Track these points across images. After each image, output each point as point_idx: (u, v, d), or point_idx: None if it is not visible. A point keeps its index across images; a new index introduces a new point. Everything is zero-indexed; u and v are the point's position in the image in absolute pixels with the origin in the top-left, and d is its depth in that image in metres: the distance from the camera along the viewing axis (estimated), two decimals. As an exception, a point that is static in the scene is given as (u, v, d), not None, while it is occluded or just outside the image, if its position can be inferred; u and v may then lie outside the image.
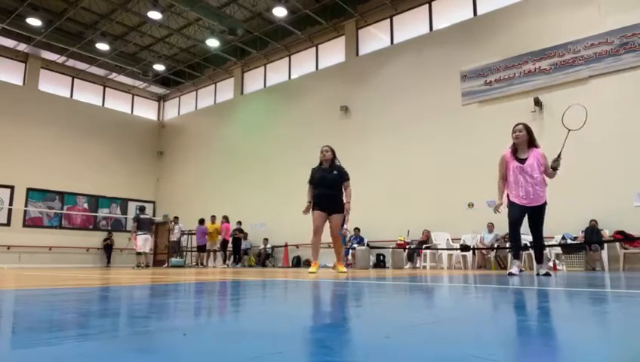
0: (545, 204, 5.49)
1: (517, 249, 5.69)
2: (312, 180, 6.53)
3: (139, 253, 12.76)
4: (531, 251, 10.16)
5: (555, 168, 5.44)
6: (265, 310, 1.81)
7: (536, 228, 5.60)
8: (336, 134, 15.31)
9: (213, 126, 19.97)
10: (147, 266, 12.68)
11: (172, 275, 5.82)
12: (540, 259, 5.76)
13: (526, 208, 5.45)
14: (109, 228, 19.91)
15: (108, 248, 19.18)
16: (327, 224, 6.44)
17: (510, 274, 5.50)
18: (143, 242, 12.73)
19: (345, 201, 6.44)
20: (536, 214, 5.50)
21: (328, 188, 6.39)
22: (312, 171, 6.62)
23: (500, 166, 5.69)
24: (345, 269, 6.54)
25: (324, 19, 15.70)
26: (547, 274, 5.39)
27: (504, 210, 5.65)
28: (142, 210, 13.69)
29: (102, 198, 19.89)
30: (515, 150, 5.59)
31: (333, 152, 6.66)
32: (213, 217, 15.68)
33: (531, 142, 5.58)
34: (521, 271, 5.65)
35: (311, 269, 6.25)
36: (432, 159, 12.78)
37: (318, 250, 6.49)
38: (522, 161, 5.48)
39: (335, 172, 6.44)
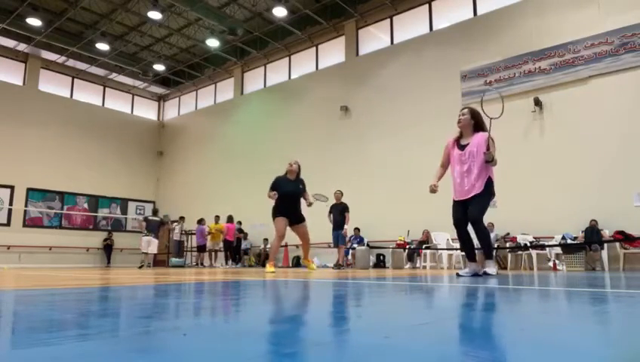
0: (482, 194, 4.87)
1: (468, 250, 5.06)
2: (275, 188, 7.15)
3: (145, 253, 13.12)
4: (531, 251, 10.24)
5: (488, 161, 4.80)
6: (264, 310, 1.81)
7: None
8: (336, 134, 15.33)
9: (213, 126, 19.97)
10: (149, 266, 12.92)
11: (171, 275, 5.82)
12: (488, 255, 5.06)
13: (463, 203, 4.95)
14: (109, 228, 19.92)
15: (108, 248, 19.19)
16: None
17: (458, 274, 4.97)
18: (146, 243, 13.04)
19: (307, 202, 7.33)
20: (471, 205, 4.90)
21: (294, 200, 7.18)
22: (277, 179, 7.28)
23: (443, 152, 5.35)
24: (315, 267, 7.57)
25: (324, 19, 15.69)
26: (487, 274, 4.85)
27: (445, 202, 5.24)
28: (154, 212, 14.23)
29: (102, 198, 19.89)
30: (460, 137, 5.19)
31: (299, 168, 7.46)
32: (217, 217, 15.67)
33: (478, 127, 5.09)
34: (478, 274, 4.91)
35: (268, 269, 6.64)
36: (432, 159, 12.71)
37: (276, 252, 7.29)
38: (463, 148, 5.05)
39: (300, 186, 7.27)
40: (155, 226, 13.31)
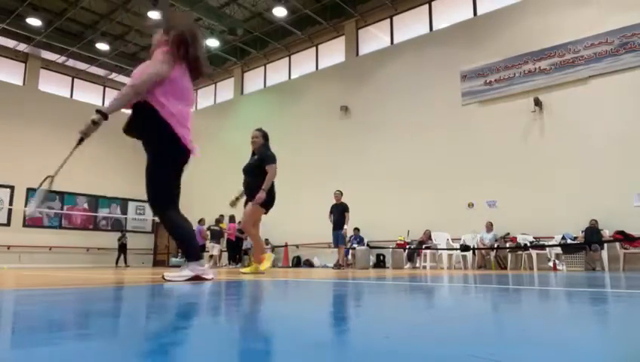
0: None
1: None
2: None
3: (211, 256, 15.53)
4: (531, 251, 10.24)
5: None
6: (264, 310, 1.81)
7: None
8: (336, 134, 15.32)
9: (213, 126, 19.96)
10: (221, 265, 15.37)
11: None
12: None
13: None
14: (109, 228, 19.85)
15: (123, 247, 18.11)
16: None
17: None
18: (211, 248, 15.57)
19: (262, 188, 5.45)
20: None
21: (246, 175, 5.70)
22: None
23: None
24: (264, 269, 5.79)
25: (324, 19, 15.69)
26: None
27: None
28: (217, 222, 15.66)
29: (102, 198, 19.88)
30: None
31: (265, 137, 5.90)
32: (221, 217, 15.71)
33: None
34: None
35: (261, 267, 5.74)
36: (431, 159, 12.77)
37: (255, 243, 5.97)
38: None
39: (256, 156, 5.66)
40: (216, 234, 15.67)
